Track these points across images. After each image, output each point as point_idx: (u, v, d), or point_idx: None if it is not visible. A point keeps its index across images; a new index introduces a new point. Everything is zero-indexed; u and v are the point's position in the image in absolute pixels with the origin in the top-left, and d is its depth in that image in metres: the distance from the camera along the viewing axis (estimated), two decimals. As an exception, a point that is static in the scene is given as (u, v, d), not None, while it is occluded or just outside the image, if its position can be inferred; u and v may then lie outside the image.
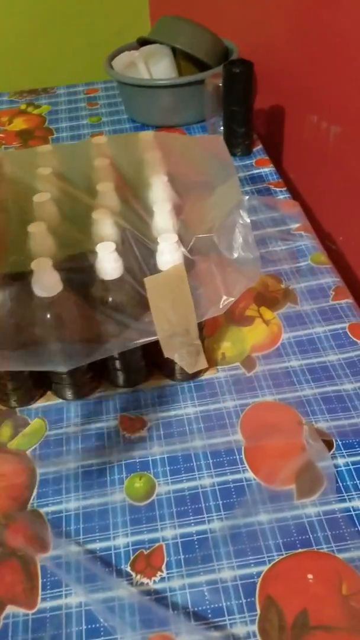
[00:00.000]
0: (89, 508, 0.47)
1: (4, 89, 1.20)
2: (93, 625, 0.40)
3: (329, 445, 0.50)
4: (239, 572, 0.42)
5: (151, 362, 0.57)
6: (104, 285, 0.50)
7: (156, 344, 0.51)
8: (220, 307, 0.50)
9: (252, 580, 0.42)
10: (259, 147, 0.93)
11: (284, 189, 0.83)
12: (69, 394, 0.56)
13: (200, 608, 0.41)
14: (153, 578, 0.43)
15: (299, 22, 0.85)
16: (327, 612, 0.39)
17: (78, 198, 0.55)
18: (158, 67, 0.98)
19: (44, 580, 0.43)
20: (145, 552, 0.44)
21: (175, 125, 1.00)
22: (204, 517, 0.46)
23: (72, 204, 0.55)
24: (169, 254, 0.49)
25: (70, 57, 1.41)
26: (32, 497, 0.48)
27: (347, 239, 0.83)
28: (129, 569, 0.43)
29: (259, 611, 0.40)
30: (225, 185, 0.53)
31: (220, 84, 0.87)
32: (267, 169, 0.87)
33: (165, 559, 0.43)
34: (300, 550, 0.43)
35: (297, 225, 0.74)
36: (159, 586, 0.42)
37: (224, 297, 0.50)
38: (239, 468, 0.49)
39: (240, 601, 0.41)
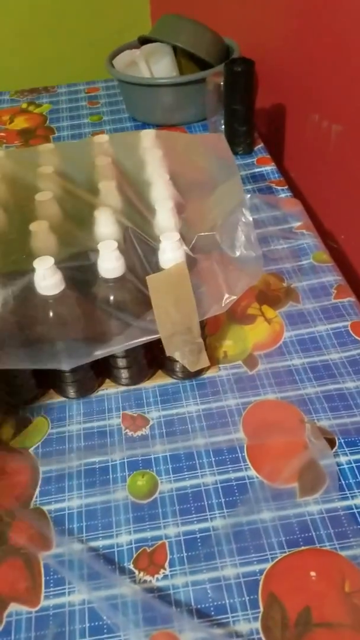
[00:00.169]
0: (92, 506, 0.47)
1: (5, 88, 1.20)
2: (96, 623, 0.40)
3: (331, 443, 0.50)
4: (242, 569, 0.42)
5: (153, 361, 0.57)
6: (106, 283, 0.50)
7: (158, 342, 0.51)
8: (223, 305, 0.50)
9: (255, 577, 0.42)
10: (260, 145, 0.93)
11: (286, 187, 0.83)
12: (71, 392, 0.56)
13: (203, 605, 0.41)
14: (156, 575, 0.43)
15: (300, 21, 0.85)
16: (329, 610, 0.40)
17: (80, 196, 0.56)
18: (159, 65, 0.98)
19: (47, 578, 0.43)
20: (148, 550, 0.44)
21: (176, 124, 1.00)
22: (206, 515, 0.46)
23: (74, 203, 0.55)
24: (171, 252, 0.49)
25: (71, 56, 1.41)
26: (35, 495, 0.48)
27: (348, 238, 0.83)
28: (132, 566, 0.43)
29: (262, 608, 0.40)
30: (228, 183, 0.53)
31: (222, 83, 0.87)
32: (269, 168, 0.87)
33: (168, 557, 0.44)
34: (302, 547, 0.43)
35: (298, 223, 0.75)
36: (162, 584, 0.42)
37: (226, 296, 0.50)
38: (241, 466, 0.49)
39: (243, 599, 0.41)
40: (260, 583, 0.42)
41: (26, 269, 0.48)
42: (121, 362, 0.55)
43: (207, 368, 0.57)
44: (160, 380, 0.57)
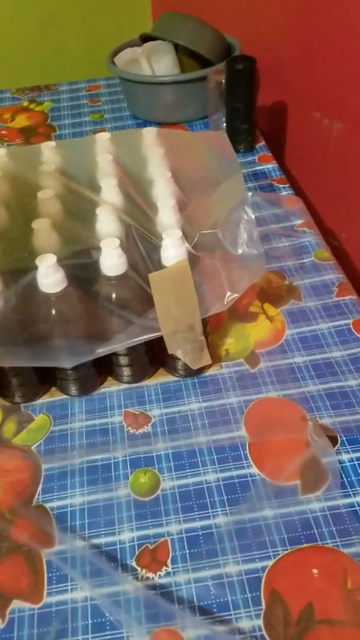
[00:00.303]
0: (94, 503, 0.47)
1: (6, 86, 1.20)
2: (99, 620, 0.41)
3: (333, 441, 0.50)
4: (244, 566, 0.42)
5: (155, 358, 0.57)
6: (108, 281, 0.50)
7: (160, 340, 0.51)
8: (225, 303, 0.50)
9: (257, 574, 0.42)
10: (261, 143, 0.93)
11: (287, 185, 0.83)
12: (73, 389, 0.56)
13: (205, 602, 0.41)
14: (158, 573, 0.43)
15: (302, 18, 0.85)
16: (332, 607, 0.40)
17: (82, 194, 0.55)
18: (160, 63, 0.98)
19: (50, 575, 0.43)
20: (151, 547, 0.44)
21: (177, 121, 1.00)
22: (208, 512, 0.46)
23: (76, 200, 0.55)
24: (173, 249, 0.49)
25: (72, 54, 1.41)
26: (37, 493, 0.48)
27: (349, 236, 0.83)
28: (134, 563, 0.43)
29: (264, 605, 0.40)
30: (230, 181, 0.53)
31: (223, 81, 0.86)
32: (270, 166, 0.87)
33: (171, 554, 0.44)
34: (305, 545, 0.43)
35: (300, 221, 0.74)
36: (164, 581, 0.42)
37: (228, 293, 0.50)
38: (243, 464, 0.49)
39: (246, 596, 0.41)
40: (263, 580, 0.42)
41: (28, 266, 0.48)
42: (123, 360, 0.55)
43: (209, 366, 0.57)
44: (162, 378, 0.57)
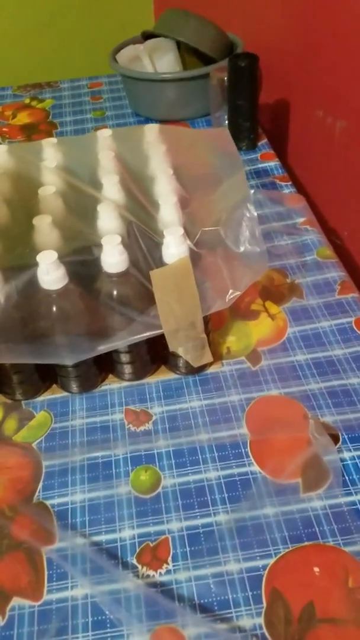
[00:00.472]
0: (95, 500, 0.47)
1: (7, 83, 1.20)
2: (99, 617, 0.40)
3: (335, 439, 0.49)
4: (245, 564, 0.42)
5: (156, 356, 0.57)
6: (109, 278, 0.50)
7: (161, 337, 0.51)
8: (227, 300, 0.50)
9: (258, 573, 0.42)
10: (264, 141, 0.93)
11: (289, 183, 0.83)
12: (74, 387, 0.56)
13: (206, 600, 0.41)
14: (159, 570, 0.43)
15: (304, 16, 0.85)
16: (333, 605, 0.39)
17: (83, 191, 0.55)
18: (162, 61, 0.97)
19: (50, 572, 0.43)
20: (151, 545, 0.44)
21: (179, 119, 1.00)
22: (209, 510, 0.46)
23: (78, 197, 0.55)
24: (174, 247, 0.49)
25: (74, 51, 1.41)
26: (38, 490, 0.48)
27: (352, 234, 0.83)
28: (134, 561, 0.43)
29: (265, 604, 0.40)
30: (232, 178, 0.53)
31: (225, 78, 0.86)
32: (273, 163, 0.87)
33: (171, 552, 0.44)
34: (306, 543, 0.43)
35: (302, 219, 0.74)
36: (164, 578, 0.42)
37: (230, 291, 0.50)
38: (244, 461, 0.49)
39: (247, 594, 0.41)
40: (264, 578, 0.42)
41: (30, 263, 0.48)
42: (124, 357, 0.55)
43: (211, 364, 0.57)
44: (163, 376, 0.57)
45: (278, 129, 1.00)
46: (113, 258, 0.49)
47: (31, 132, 1.02)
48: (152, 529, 0.45)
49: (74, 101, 1.11)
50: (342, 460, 0.48)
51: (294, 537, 0.44)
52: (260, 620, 0.39)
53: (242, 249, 0.50)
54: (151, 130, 0.63)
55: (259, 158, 0.89)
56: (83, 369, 0.54)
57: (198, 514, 0.46)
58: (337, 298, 0.63)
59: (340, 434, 0.50)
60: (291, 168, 0.97)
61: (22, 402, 0.56)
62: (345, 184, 0.83)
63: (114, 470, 0.49)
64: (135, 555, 0.44)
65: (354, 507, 0.45)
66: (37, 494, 0.48)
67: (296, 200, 0.77)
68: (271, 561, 0.42)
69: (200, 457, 0.50)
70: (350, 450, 0.49)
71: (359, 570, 0.41)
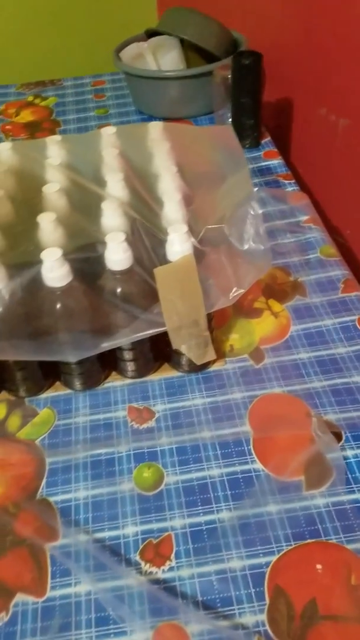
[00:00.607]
0: (98, 497, 0.47)
1: (11, 81, 1.20)
2: (102, 614, 0.41)
3: (337, 437, 0.49)
4: (248, 562, 0.42)
5: (159, 354, 0.57)
6: (113, 275, 0.50)
7: (165, 335, 0.51)
8: (230, 298, 0.50)
9: (261, 570, 0.42)
10: (267, 139, 0.93)
11: (293, 181, 0.82)
12: (77, 384, 0.56)
13: (209, 597, 0.41)
14: (162, 567, 0.43)
15: (307, 14, 0.85)
16: (336, 602, 0.40)
17: (87, 188, 0.55)
18: (166, 58, 0.97)
19: (54, 568, 0.43)
20: (154, 542, 0.44)
21: (183, 117, 1.00)
22: (212, 507, 0.46)
23: (82, 195, 0.55)
24: (179, 244, 0.49)
25: (77, 49, 1.41)
26: (41, 486, 0.48)
27: (354, 233, 0.83)
28: (137, 558, 0.43)
29: (267, 601, 0.40)
30: (236, 176, 0.53)
31: (229, 76, 0.86)
32: (276, 161, 0.87)
33: (174, 549, 0.44)
34: (309, 540, 0.43)
35: (305, 217, 0.74)
36: (167, 575, 0.42)
37: (234, 289, 0.50)
38: (247, 459, 0.49)
39: (249, 591, 0.41)
40: (266, 575, 0.42)
41: (34, 260, 0.48)
42: (127, 355, 0.55)
43: (213, 361, 0.57)
44: (166, 373, 0.57)
45: (281, 127, 1.00)
46: (117, 255, 0.49)
47: (34, 130, 1.02)
48: (155, 525, 0.45)
49: (77, 99, 1.11)
50: (345, 458, 0.48)
51: (297, 535, 0.44)
52: (263, 617, 0.39)
53: (246, 246, 0.50)
54: (155, 128, 0.63)
55: (262, 156, 0.89)
56: (86, 366, 0.54)
57: (201, 511, 0.46)
58: (341, 296, 0.63)
59: (343, 432, 0.50)
60: (294, 166, 0.97)
61: (26, 399, 0.56)
62: (348, 182, 0.82)
63: (117, 467, 0.49)
64: (138, 552, 0.44)
65: (357, 504, 0.45)
66: (40, 490, 0.48)
67: (299, 198, 0.77)
68: (274, 558, 0.42)
69: (203, 454, 0.50)
70: (353, 448, 0.49)
71: (361, 568, 0.41)
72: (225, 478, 0.48)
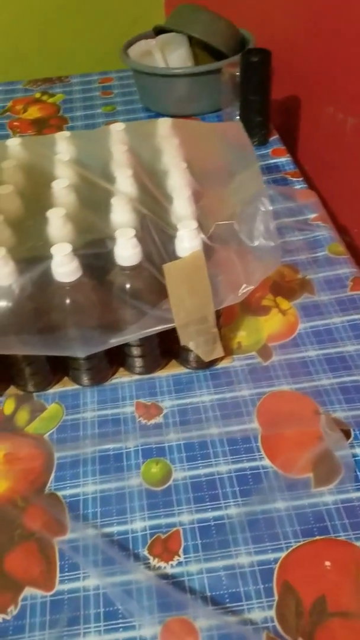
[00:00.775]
0: (106, 492, 0.47)
1: (18, 77, 1.20)
2: (111, 608, 0.41)
3: (346, 434, 0.49)
4: (256, 558, 0.42)
5: (167, 350, 0.57)
6: (122, 271, 0.50)
7: (173, 331, 0.51)
8: (239, 294, 0.50)
9: (269, 566, 0.42)
10: (275, 136, 0.93)
11: (301, 179, 0.82)
12: (85, 379, 0.56)
13: (217, 593, 0.41)
14: (170, 562, 0.43)
15: (315, 12, 0.85)
16: (345, 599, 0.40)
17: (96, 184, 0.55)
18: (174, 56, 0.97)
19: (62, 562, 0.43)
20: (163, 537, 0.44)
21: (190, 114, 0.99)
22: (220, 503, 0.46)
23: (91, 190, 0.55)
24: (188, 240, 0.49)
25: (85, 46, 1.40)
26: (49, 481, 0.48)
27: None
28: (146, 552, 0.43)
29: (276, 597, 0.40)
30: (246, 172, 0.53)
31: (237, 73, 0.86)
32: (284, 159, 0.87)
33: (183, 544, 0.44)
34: (317, 537, 0.43)
35: (314, 215, 0.74)
36: (176, 570, 0.42)
37: (244, 285, 0.50)
38: (255, 456, 0.49)
39: (258, 587, 0.41)
40: (275, 572, 0.42)
41: (43, 255, 0.48)
42: (135, 351, 0.55)
43: (221, 358, 0.57)
44: (173, 370, 0.57)
45: (288, 125, 0.99)
46: (126, 251, 0.49)
47: (42, 127, 1.02)
48: (163, 521, 0.45)
49: (84, 96, 1.11)
50: (354, 455, 0.48)
51: (306, 531, 0.44)
52: (272, 613, 0.39)
53: (256, 242, 0.50)
54: (164, 124, 0.63)
55: (270, 154, 0.89)
56: (94, 362, 0.54)
57: (209, 506, 0.46)
58: (349, 294, 0.63)
59: (352, 430, 0.50)
60: (301, 164, 0.97)
61: (34, 394, 0.56)
62: (355, 181, 0.82)
63: (125, 463, 0.49)
64: (146, 547, 0.44)
65: (366, 502, 0.45)
66: (48, 484, 0.48)
67: (307, 196, 0.77)
68: (282, 555, 0.42)
69: (211, 450, 0.50)
70: (361, 445, 0.49)
71: (370, 565, 0.41)
72: (233, 474, 0.48)
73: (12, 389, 0.56)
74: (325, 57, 0.84)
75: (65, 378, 0.57)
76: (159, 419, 0.53)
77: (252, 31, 1.00)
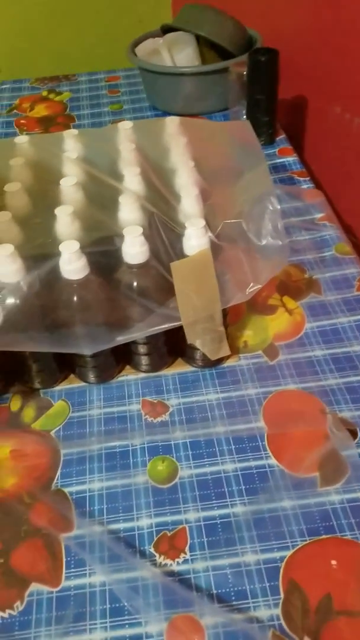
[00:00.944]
0: (113, 489, 0.47)
1: (25, 75, 1.21)
2: (117, 605, 0.41)
3: (353, 434, 0.49)
4: (263, 556, 0.42)
5: (174, 348, 0.57)
6: (130, 269, 0.50)
7: (179, 329, 0.51)
8: (247, 293, 0.50)
9: (275, 564, 0.42)
10: (282, 136, 0.93)
11: (308, 178, 0.82)
12: (92, 377, 0.56)
13: (223, 590, 0.41)
14: (176, 560, 0.43)
15: (322, 11, 0.84)
16: (351, 598, 0.39)
17: (104, 182, 0.55)
18: (181, 54, 0.97)
19: (68, 559, 0.43)
20: (169, 534, 0.44)
21: (197, 113, 0.99)
22: (226, 502, 0.46)
23: (99, 188, 0.55)
24: (195, 238, 0.49)
25: (92, 44, 1.41)
26: (56, 477, 0.48)
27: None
28: (152, 550, 0.43)
29: (282, 595, 0.40)
30: (254, 171, 0.53)
31: (244, 72, 0.86)
32: (291, 159, 0.87)
33: (189, 541, 0.44)
34: (323, 536, 0.43)
35: (321, 215, 0.74)
36: (182, 568, 0.42)
37: (251, 284, 0.50)
38: (261, 454, 0.49)
39: (264, 585, 0.41)
40: (281, 570, 0.42)
41: (51, 253, 0.48)
42: (142, 349, 0.55)
43: (227, 357, 0.57)
44: (180, 368, 0.57)
45: (295, 125, 0.99)
46: (134, 249, 0.49)
47: (49, 125, 1.03)
48: (169, 518, 0.45)
49: (91, 94, 1.11)
50: (360, 455, 0.48)
51: (312, 530, 0.44)
52: (278, 611, 0.40)
53: (264, 241, 0.50)
54: (172, 123, 0.63)
55: (276, 153, 0.89)
56: (101, 360, 0.55)
57: (215, 505, 0.46)
58: (356, 294, 0.63)
59: (358, 429, 0.50)
60: (307, 164, 0.97)
61: (40, 391, 0.56)
62: (362, 181, 0.82)
63: (131, 460, 0.49)
64: (152, 544, 0.44)
65: (372, 502, 0.45)
66: (55, 481, 0.48)
67: (314, 196, 0.77)
68: (288, 553, 0.42)
69: (217, 449, 0.50)
70: (368, 445, 0.49)
71: (376, 565, 0.41)
72: (239, 473, 0.48)
73: (18, 386, 0.56)
74: (333, 57, 0.84)
75: (72, 375, 0.57)
76: (165, 417, 0.53)
77: (259, 30, 1.00)
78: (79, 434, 0.52)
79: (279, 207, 0.50)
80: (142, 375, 0.57)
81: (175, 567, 0.42)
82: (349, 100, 0.82)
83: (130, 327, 0.51)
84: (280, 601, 0.40)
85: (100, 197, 0.54)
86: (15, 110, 1.08)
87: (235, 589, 0.41)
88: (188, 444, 0.50)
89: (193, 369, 0.57)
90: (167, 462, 0.49)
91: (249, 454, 0.49)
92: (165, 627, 0.39)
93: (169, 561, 0.43)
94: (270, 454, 0.49)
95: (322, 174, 0.94)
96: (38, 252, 0.49)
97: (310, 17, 0.90)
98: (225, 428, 0.51)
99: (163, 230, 0.51)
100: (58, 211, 0.51)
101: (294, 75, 0.96)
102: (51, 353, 0.54)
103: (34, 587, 0.42)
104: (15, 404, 0.55)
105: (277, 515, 0.45)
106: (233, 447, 0.50)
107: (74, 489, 0.48)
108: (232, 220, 0.50)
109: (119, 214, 0.52)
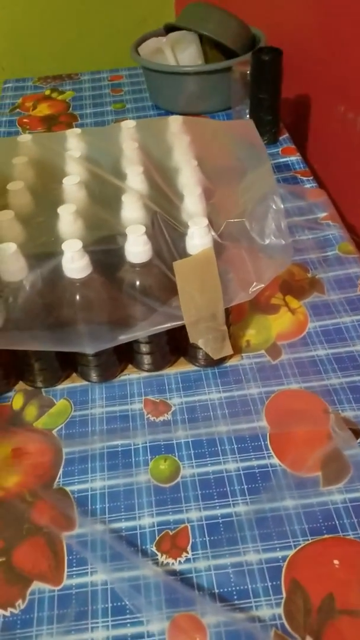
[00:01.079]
0: (115, 488, 0.47)
1: (28, 74, 1.21)
2: (119, 603, 0.41)
3: (356, 434, 0.49)
4: (265, 555, 0.42)
5: (176, 347, 0.57)
6: (132, 268, 0.50)
7: (182, 329, 0.51)
8: (250, 292, 0.50)
9: (277, 564, 0.42)
10: (285, 135, 0.92)
11: (311, 177, 0.82)
12: (94, 376, 0.56)
13: (225, 589, 0.41)
14: (178, 559, 0.43)
15: (326, 10, 0.84)
16: (353, 597, 0.39)
17: (107, 181, 0.55)
18: (185, 54, 0.97)
19: (70, 557, 0.43)
20: (171, 533, 0.44)
21: (200, 112, 0.99)
22: (229, 501, 0.46)
23: (102, 187, 0.55)
24: (199, 238, 0.49)
25: (95, 43, 1.41)
26: (58, 476, 0.49)
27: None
28: (154, 548, 0.43)
29: (284, 594, 0.40)
30: (258, 170, 0.53)
31: (248, 72, 0.86)
32: (294, 158, 0.87)
33: (191, 540, 0.44)
34: (326, 536, 0.43)
35: (324, 214, 0.74)
36: (184, 567, 0.42)
37: (254, 283, 0.50)
38: (264, 454, 0.49)
39: (266, 584, 0.41)
40: (283, 569, 0.42)
41: (54, 251, 0.48)
42: (144, 348, 0.55)
43: (230, 356, 0.57)
44: (182, 367, 0.57)
45: (298, 124, 0.99)
46: (137, 248, 0.49)
47: (51, 124, 1.03)
48: (171, 517, 0.45)
49: (94, 93, 1.11)
50: (362, 455, 0.48)
51: (314, 530, 0.43)
52: (280, 610, 0.39)
53: (267, 241, 0.50)
54: (175, 122, 0.63)
55: (280, 152, 0.89)
56: (103, 359, 0.55)
57: (217, 504, 0.46)
58: (359, 294, 0.63)
59: (361, 429, 0.50)
60: (311, 163, 0.97)
61: (43, 389, 0.56)
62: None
63: (133, 459, 0.49)
64: (154, 543, 0.44)
65: (375, 501, 0.45)
66: (57, 480, 0.48)
67: (317, 195, 0.77)
68: (291, 553, 0.42)
69: (219, 448, 0.50)
70: (370, 445, 0.49)
71: (379, 565, 0.41)
72: (241, 472, 0.48)
73: (21, 385, 0.57)
74: (336, 56, 0.84)
75: (74, 374, 0.57)
76: (167, 416, 0.53)
77: (263, 29, 1.00)
78: (81, 432, 0.52)
79: (282, 206, 0.50)
80: (145, 374, 0.57)
81: (177, 566, 0.42)
82: (352, 99, 0.82)
83: (132, 326, 0.51)
84: (283, 600, 0.40)
85: (103, 195, 0.54)
86: (18, 109, 1.08)
87: (237, 588, 0.41)
88: (190, 443, 0.50)
89: (195, 368, 0.57)
90: (169, 461, 0.49)
91: (252, 453, 0.49)
92: (167, 626, 0.39)
93: (170, 560, 0.43)
94: (273, 453, 0.49)
95: (326, 173, 0.94)
96: (41, 250, 0.49)
97: (314, 16, 0.89)
98: (228, 427, 0.51)
99: (166, 229, 0.51)
100: (61, 210, 0.51)
101: (297, 75, 0.95)
102: (53, 352, 0.54)
103: (36, 585, 0.42)
104: (17, 402, 0.55)
105: (279, 514, 0.45)
106: (235, 446, 0.50)
107: (76, 487, 0.48)
108: (235, 220, 0.50)
109: (121, 213, 0.52)
